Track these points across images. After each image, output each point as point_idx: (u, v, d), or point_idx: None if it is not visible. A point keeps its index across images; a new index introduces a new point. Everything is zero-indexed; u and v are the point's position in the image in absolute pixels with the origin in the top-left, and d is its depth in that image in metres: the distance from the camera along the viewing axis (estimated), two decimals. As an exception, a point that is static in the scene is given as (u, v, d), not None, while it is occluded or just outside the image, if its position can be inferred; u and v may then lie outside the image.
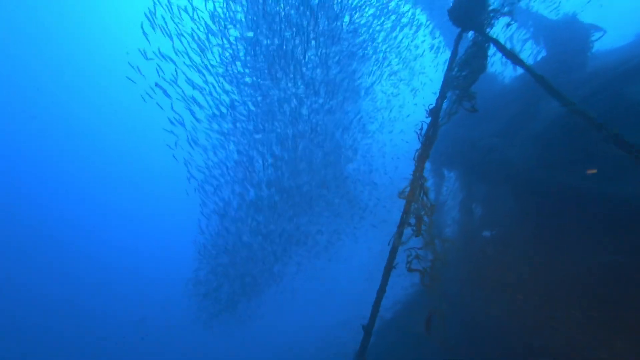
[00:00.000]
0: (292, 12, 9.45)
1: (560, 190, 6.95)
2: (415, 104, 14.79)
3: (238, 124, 11.35)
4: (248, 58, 10.45)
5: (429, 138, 4.35)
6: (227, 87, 10.88)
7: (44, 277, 39.47)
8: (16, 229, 42.75)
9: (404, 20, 11.92)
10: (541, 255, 7.70)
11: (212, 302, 14.39)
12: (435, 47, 13.13)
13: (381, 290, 3.99)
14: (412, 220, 3.75)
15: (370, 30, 11.43)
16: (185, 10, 9.87)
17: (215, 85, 10.75)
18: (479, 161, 8.93)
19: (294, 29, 9.51)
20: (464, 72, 3.85)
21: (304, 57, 10.03)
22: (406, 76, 14.23)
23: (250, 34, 10.00)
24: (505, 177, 8.34)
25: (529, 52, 9.45)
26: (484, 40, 3.89)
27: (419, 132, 4.48)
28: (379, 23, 11.44)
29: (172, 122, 11.37)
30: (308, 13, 9.26)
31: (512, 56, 3.78)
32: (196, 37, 10.06)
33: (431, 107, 4.53)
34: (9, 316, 33.39)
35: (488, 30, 3.94)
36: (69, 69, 48.41)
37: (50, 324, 33.42)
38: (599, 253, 6.50)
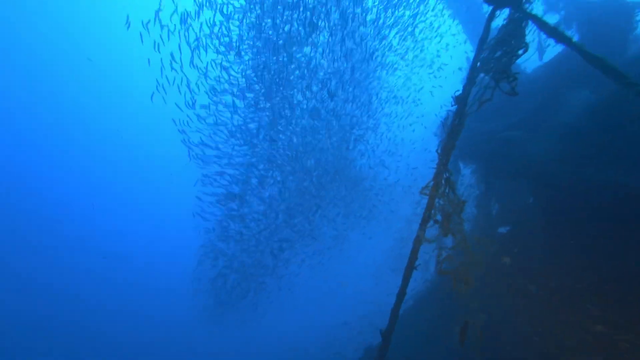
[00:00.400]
0: None
1: (587, 187, 6.50)
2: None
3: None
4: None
5: (455, 127, 3.95)
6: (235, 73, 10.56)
7: (59, 273, 39.97)
8: (26, 224, 43.24)
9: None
10: (560, 257, 7.28)
11: (218, 294, 14.23)
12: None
13: (401, 294, 3.64)
14: (439, 218, 3.38)
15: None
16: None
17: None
18: (497, 155, 8.47)
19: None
20: (499, 52, 3.44)
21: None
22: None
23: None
24: (525, 171, 7.89)
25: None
26: (521, 17, 3.46)
27: (443, 121, 4.08)
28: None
29: (178, 107, 11.02)
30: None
31: (555, 33, 3.35)
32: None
33: (457, 93, 4.12)
34: (32, 311, 33.99)
35: (526, 6, 3.51)
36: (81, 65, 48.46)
37: (66, 318, 33.93)
38: (628, 257, 6.08)
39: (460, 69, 15.09)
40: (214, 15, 9.80)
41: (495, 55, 3.62)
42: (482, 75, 3.72)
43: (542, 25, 3.38)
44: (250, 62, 10.42)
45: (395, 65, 12.95)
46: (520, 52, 3.26)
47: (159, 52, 10.63)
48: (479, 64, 3.81)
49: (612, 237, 6.33)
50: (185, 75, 10.82)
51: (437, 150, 4.13)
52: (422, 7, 11.60)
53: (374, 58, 11.78)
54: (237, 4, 9.92)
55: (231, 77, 10.64)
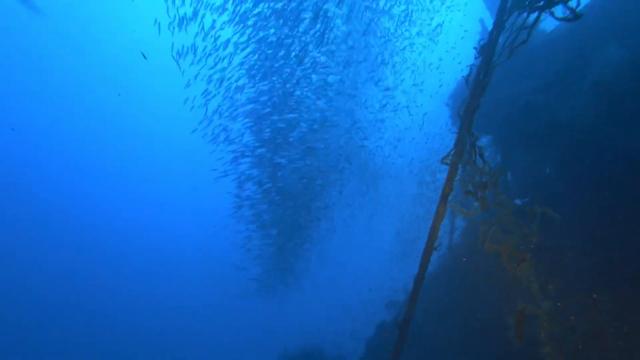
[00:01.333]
0: None
1: (624, 153, 5.80)
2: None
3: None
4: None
5: (480, 84, 3.32)
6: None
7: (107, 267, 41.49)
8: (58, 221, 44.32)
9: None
10: (586, 236, 6.68)
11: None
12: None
13: (420, 278, 3.16)
14: (470, 189, 2.83)
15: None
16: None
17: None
18: (518, 122, 7.75)
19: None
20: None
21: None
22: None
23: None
24: (551, 139, 7.18)
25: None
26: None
27: (466, 77, 3.45)
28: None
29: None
30: None
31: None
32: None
33: (482, 42, 3.46)
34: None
35: None
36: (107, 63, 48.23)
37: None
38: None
39: (462, 37, 14.06)
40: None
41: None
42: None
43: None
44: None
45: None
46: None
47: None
48: (510, 1, 3.13)
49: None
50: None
51: (458, 113, 3.53)
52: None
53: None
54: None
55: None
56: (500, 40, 3.46)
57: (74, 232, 43.95)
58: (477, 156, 3.05)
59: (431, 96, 13.78)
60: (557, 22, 9.37)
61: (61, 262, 40.42)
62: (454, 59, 13.64)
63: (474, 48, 3.53)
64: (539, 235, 2.41)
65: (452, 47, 14.86)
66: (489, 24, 9.32)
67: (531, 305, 2.25)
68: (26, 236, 41.39)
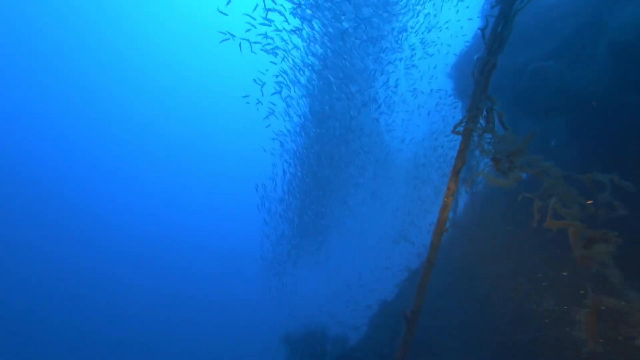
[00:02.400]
0: None
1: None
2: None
3: None
4: None
5: (497, 38, 2.85)
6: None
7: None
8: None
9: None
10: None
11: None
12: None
13: (430, 262, 2.82)
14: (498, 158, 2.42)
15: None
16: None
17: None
18: (527, 91, 7.25)
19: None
20: None
21: None
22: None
23: None
24: (562, 107, 6.73)
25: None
26: None
27: (481, 30, 2.97)
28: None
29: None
30: None
31: None
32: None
33: (500, -11, 2.95)
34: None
35: None
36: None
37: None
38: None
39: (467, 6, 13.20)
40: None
41: None
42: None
43: None
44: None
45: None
46: None
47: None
48: None
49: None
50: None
51: (472, 74, 3.07)
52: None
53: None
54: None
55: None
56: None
57: (104, 232, 44.81)
58: (497, 122, 2.64)
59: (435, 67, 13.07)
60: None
61: (84, 261, 41.28)
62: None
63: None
64: (614, 209, 2.02)
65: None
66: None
67: (609, 298, 1.88)
68: (60, 236, 41.93)
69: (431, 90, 12.77)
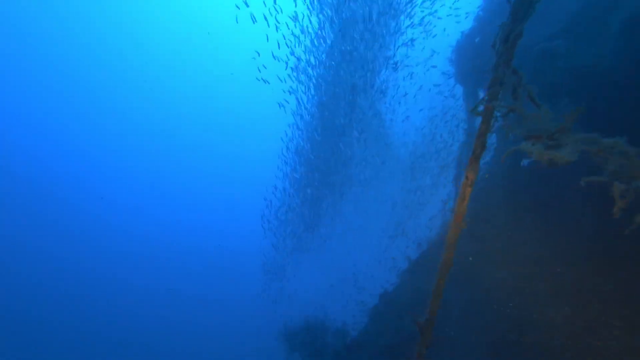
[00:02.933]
0: None
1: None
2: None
3: None
4: None
5: (525, 1, 2.45)
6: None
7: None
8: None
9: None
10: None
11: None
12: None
13: (446, 264, 2.47)
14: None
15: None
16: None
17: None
18: (533, 72, 6.88)
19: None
20: None
21: None
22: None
23: None
24: (571, 89, 6.37)
25: None
26: None
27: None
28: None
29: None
30: None
31: None
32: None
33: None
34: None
35: None
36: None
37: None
38: None
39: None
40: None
41: None
42: None
43: None
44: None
45: None
46: None
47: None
48: None
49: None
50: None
51: (492, 45, 2.68)
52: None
53: None
54: None
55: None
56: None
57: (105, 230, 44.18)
58: (528, 99, 2.27)
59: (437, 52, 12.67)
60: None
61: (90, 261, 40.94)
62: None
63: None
64: None
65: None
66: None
67: None
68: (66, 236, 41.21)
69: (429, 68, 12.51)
